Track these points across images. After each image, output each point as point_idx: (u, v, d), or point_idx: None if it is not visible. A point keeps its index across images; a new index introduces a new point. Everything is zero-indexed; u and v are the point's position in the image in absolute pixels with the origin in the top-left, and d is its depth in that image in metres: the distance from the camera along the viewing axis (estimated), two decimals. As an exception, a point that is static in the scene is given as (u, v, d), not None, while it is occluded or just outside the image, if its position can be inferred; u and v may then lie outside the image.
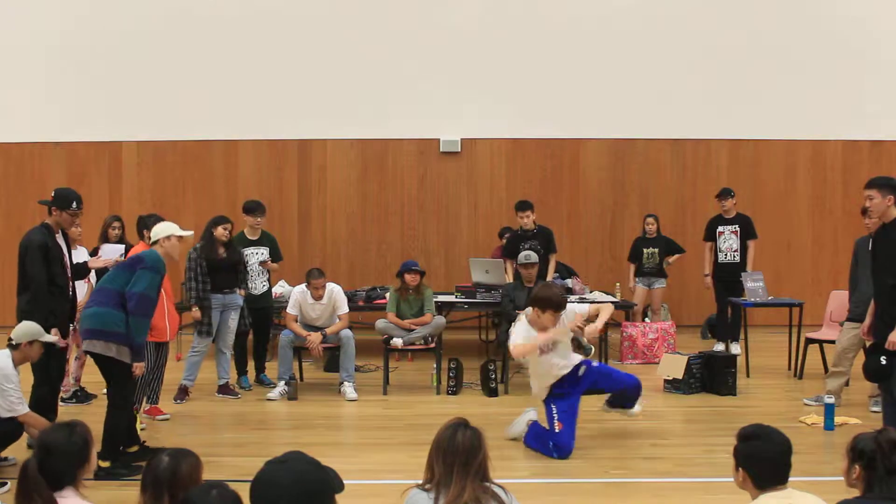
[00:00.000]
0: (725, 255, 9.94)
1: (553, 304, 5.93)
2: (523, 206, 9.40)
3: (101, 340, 5.43)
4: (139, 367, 5.64)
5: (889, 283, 5.59)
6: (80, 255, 7.26)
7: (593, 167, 12.21)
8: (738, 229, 9.88)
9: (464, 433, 3.00)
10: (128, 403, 5.72)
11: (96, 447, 3.30)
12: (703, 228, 10.33)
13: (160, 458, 2.79)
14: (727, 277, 9.82)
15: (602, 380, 6.38)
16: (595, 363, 6.47)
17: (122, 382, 5.59)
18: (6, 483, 5.20)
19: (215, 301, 7.69)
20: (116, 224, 7.86)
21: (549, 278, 9.15)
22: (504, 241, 10.34)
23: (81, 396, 7.53)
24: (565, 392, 6.14)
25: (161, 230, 5.83)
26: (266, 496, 2.30)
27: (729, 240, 9.92)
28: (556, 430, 5.97)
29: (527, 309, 6.18)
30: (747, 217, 10.00)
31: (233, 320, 7.88)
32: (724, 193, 10.05)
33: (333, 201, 12.19)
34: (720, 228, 10.01)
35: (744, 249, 9.84)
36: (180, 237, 5.86)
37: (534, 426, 6.22)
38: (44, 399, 5.89)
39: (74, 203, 5.94)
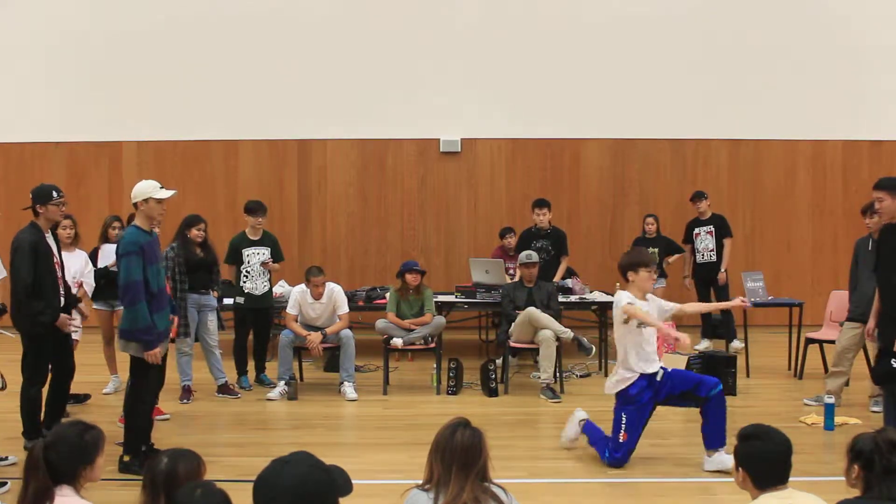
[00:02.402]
0: (702, 255, 10.22)
1: (643, 262, 5.73)
2: (541, 203, 9.57)
3: (122, 339, 5.65)
4: (150, 356, 5.53)
5: (895, 282, 5.56)
6: (77, 258, 7.27)
7: (593, 167, 12.21)
8: (713, 229, 10.13)
9: (462, 433, 3.00)
10: (142, 398, 5.72)
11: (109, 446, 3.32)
12: (703, 228, 10.46)
13: (159, 458, 2.81)
14: (705, 276, 10.20)
15: (678, 381, 5.77)
16: (669, 368, 5.88)
17: (135, 377, 5.67)
18: (6, 483, 5.20)
19: (191, 301, 7.65)
20: (116, 224, 7.88)
21: (556, 280, 9.16)
22: (505, 241, 10.35)
23: (80, 396, 7.54)
24: (640, 399, 5.71)
25: (138, 193, 5.60)
26: (267, 496, 2.31)
27: (705, 240, 10.17)
28: (620, 441, 5.66)
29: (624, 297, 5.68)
30: (722, 217, 10.27)
31: (211, 321, 7.86)
32: (698, 196, 10.35)
33: (333, 201, 12.18)
34: (696, 230, 10.30)
35: (720, 248, 10.04)
36: (159, 199, 5.60)
37: (589, 427, 6.00)
38: (34, 399, 5.91)
39: (53, 192, 5.89)
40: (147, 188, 5.61)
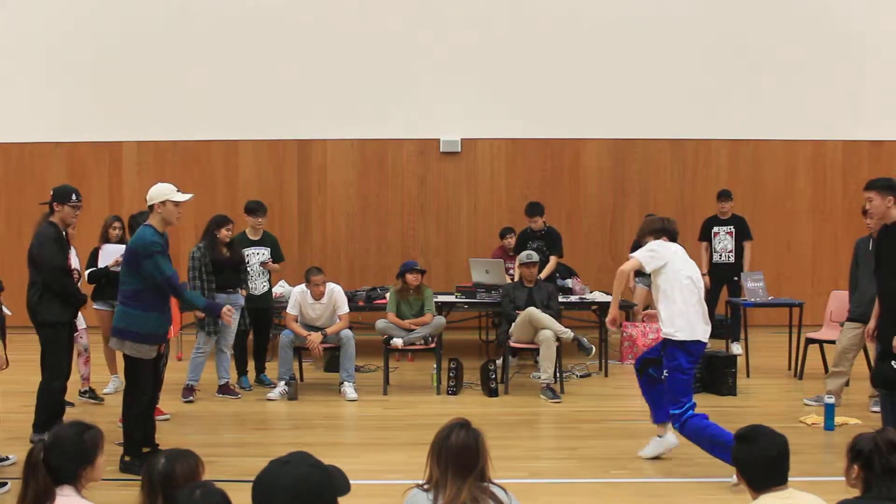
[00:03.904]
0: (720, 255, 10.07)
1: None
2: (531, 211, 9.47)
3: (116, 337, 5.66)
4: (225, 316, 5.93)
5: (894, 284, 5.56)
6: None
7: (593, 167, 12.21)
8: (733, 230, 10.00)
9: (458, 434, 2.98)
10: (139, 397, 5.72)
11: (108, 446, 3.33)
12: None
13: (157, 458, 2.82)
14: (721, 278, 9.98)
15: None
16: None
17: (131, 377, 5.69)
18: (6, 483, 5.21)
19: (219, 300, 7.68)
20: (117, 224, 7.88)
21: (542, 276, 9.07)
22: (505, 241, 10.34)
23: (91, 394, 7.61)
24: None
25: (156, 195, 5.64)
26: (266, 496, 2.31)
27: (724, 241, 10.04)
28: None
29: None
30: (742, 218, 10.11)
31: (234, 320, 7.89)
32: (726, 196, 10.13)
33: (333, 201, 12.18)
34: (715, 229, 10.13)
35: (738, 250, 9.95)
36: (176, 202, 5.64)
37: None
38: (56, 391, 6.04)
39: (73, 195, 6.07)
40: (165, 190, 5.65)
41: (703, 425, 5.44)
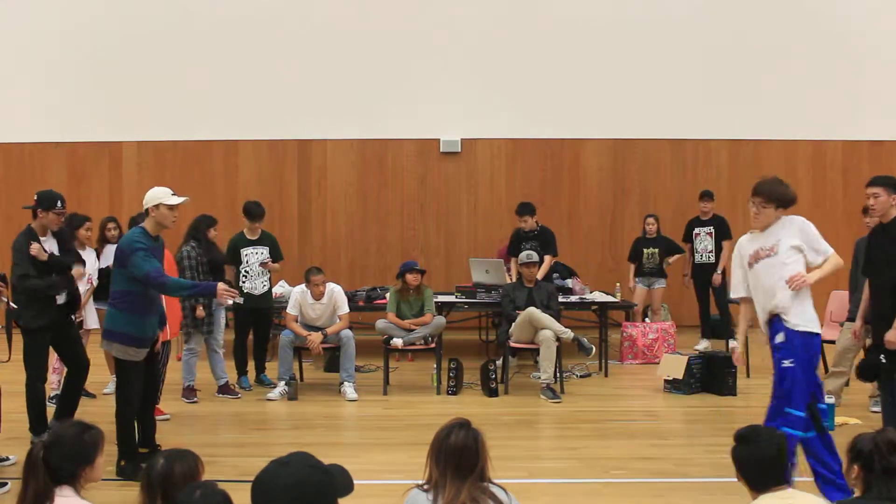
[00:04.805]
0: (701, 255, 10.20)
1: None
2: (521, 210, 9.40)
3: (105, 339, 5.62)
4: (227, 295, 5.66)
5: (890, 283, 5.55)
6: (87, 256, 7.35)
7: (593, 167, 12.21)
8: (712, 230, 10.11)
9: (457, 434, 2.98)
10: (128, 400, 5.68)
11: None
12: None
13: (156, 459, 2.82)
14: (703, 277, 10.15)
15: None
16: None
17: (122, 379, 5.65)
18: (6, 483, 5.21)
19: (214, 301, 7.69)
20: (111, 225, 7.93)
21: (539, 277, 9.07)
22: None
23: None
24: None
25: (150, 198, 5.63)
26: (264, 497, 2.30)
27: (704, 241, 10.15)
28: None
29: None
30: (722, 218, 10.24)
31: (222, 318, 7.95)
32: (708, 196, 10.28)
33: (333, 201, 12.18)
34: (696, 230, 10.26)
35: (718, 250, 10.02)
36: (170, 206, 5.59)
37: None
38: (41, 392, 6.02)
39: (59, 202, 6.01)
40: (159, 194, 5.63)
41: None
